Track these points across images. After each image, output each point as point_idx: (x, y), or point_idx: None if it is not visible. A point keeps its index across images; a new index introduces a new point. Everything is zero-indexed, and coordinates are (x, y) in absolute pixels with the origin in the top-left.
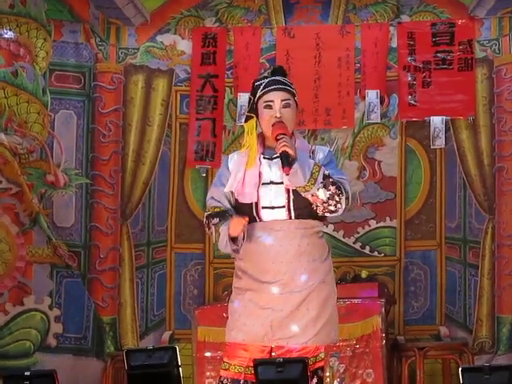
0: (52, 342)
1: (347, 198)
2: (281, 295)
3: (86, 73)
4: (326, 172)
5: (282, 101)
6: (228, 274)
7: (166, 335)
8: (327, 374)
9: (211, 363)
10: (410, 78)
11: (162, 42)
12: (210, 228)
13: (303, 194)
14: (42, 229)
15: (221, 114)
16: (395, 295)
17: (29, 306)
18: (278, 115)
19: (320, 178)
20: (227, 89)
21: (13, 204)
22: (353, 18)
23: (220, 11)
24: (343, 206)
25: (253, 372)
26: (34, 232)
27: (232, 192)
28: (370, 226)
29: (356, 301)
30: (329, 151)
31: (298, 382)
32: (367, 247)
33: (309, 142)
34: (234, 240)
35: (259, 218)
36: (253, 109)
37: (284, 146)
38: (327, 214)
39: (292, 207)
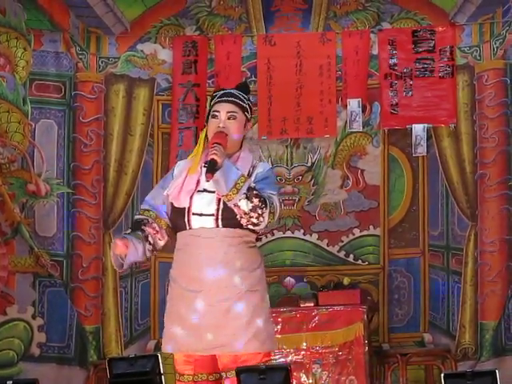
0: (35, 351)
1: (272, 213)
2: (208, 305)
3: (66, 82)
4: (253, 185)
5: (228, 112)
6: None
7: (151, 344)
8: (310, 381)
9: None
10: (391, 86)
11: (142, 50)
12: None
13: (228, 204)
14: (24, 238)
15: (203, 123)
16: (379, 303)
17: (12, 316)
18: (222, 125)
19: (244, 189)
20: (209, 98)
21: None
22: (333, 25)
23: (200, 19)
24: (265, 220)
25: (204, 379)
26: (15, 242)
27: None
28: (353, 234)
29: (338, 308)
30: (269, 168)
31: None
32: (351, 255)
33: (291, 152)
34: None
35: (189, 224)
36: (207, 119)
37: (213, 154)
38: (250, 227)
39: (220, 216)
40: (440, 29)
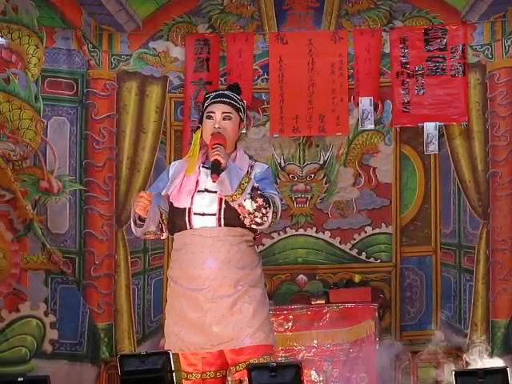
0: (48, 348)
1: (275, 213)
2: (211, 302)
3: (78, 79)
4: (256, 185)
5: (223, 113)
6: None
7: (164, 341)
8: (321, 378)
9: None
10: (403, 85)
11: (154, 48)
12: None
13: (231, 204)
14: (36, 235)
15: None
16: (391, 301)
17: (24, 313)
18: (217, 126)
19: (248, 189)
20: None
21: (7, 211)
22: (345, 23)
23: (213, 17)
24: (269, 220)
25: (212, 376)
26: (28, 239)
27: (168, 196)
28: (366, 232)
29: (349, 305)
30: (267, 168)
31: None
32: (363, 253)
33: (304, 150)
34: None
35: (190, 224)
36: (201, 120)
37: (216, 154)
38: (254, 226)
39: (222, 215)
40: (452, 27)
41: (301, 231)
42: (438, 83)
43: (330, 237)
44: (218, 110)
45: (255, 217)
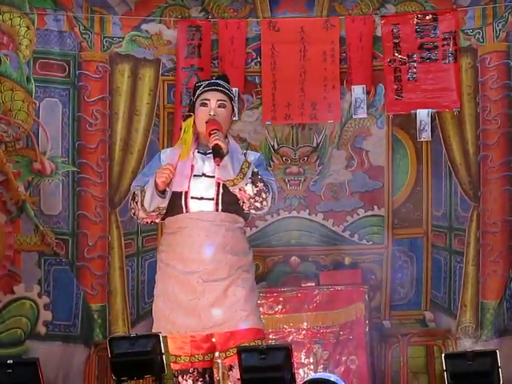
0: (41, 329)
1: (273, 198)
2: (205, 283)
3: (70, 61)
4: (256, 170)
5: (218, 101)
6: None
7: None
8: (311, 360)
9: None
10: (395, 72)
11: (147, 31)
12: (135, 198)
13: (231, 189)
14: (29, 217)
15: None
16: (382, 282)
17: (19, 295)
18: (212, 113)
19: (249, 174)
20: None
21: (0, 192)
22: (338, 7)
23: (205, 0)
24: (269, 204)
25: (200, 359)
26: (21, 220)
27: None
28: (358, 214)
29: (339, 287)
30: (260, 156)
31: (281, 368)
32: (356, 235)
33: (297, 133)
34: (160, 191)
35: (186, 208)
36: (191, 108)
37: (216, 139)
38: (252, 211)
39: (220, 200)
40: (443, 14)
41: (294, 213)
42: (430, 70)
43: (323, 219)
44: (213, 98)
45: (255, 201)
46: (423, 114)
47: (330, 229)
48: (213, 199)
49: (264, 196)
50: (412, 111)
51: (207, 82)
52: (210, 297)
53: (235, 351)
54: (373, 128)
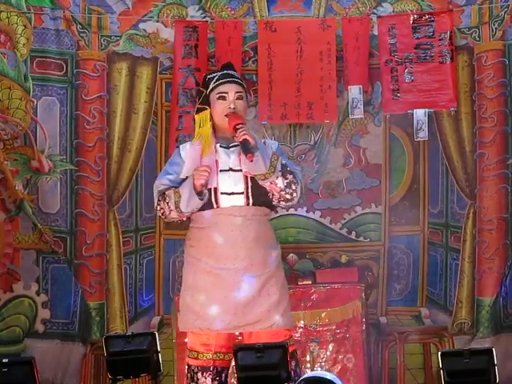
0: (40, 327)
1: (301, 188)
2: (241, 280)
3: (68, 60)
4: (284, 161)
5: (236, 93)
6: None
7: (155, 320)
8: (307, 358)
9: None
10: (391, 72)
11: (144, 29)
12: (165, 199)
13: (261, 182)
14: (27, 215)
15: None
16: (379, 278)
17: (18, 293)
18: (232, 106)
19: (279, 167)
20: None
21: None
22: (335, 6)
23: None
24: (298, 195)
25: (221, 358)
26: (19, 218)
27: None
28: (355, 212)
29: (336, 286)
30: (278, 144)
31: (278, 366)
32: (353, 233)
33: (294, 131)
34: (198, 193)
35: (217, 204)
36: (205, 101)
37: (245, 134)
38: (282, 203)
39: (250, 194)
40: (439, 14)
41: (291, 211)
42: (426, 70)
43: (321, 216)
44: (231, 90)
45: (286, 193)
46: (420, 114)
47: (328, 226)
48: (243, 193)
49: (294, 187)
50: (409, 111)
51: (220, 74)
52: (245, 295)
53: None
54: (370, 126)
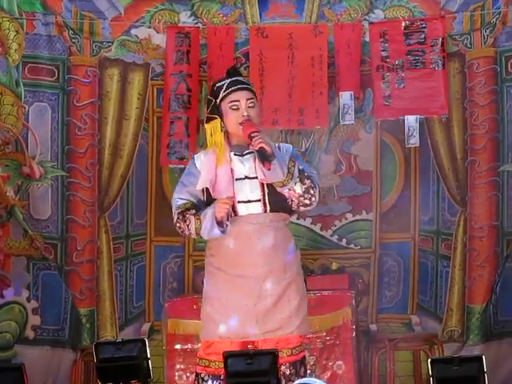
0: (30, 333)
1: (319, 192)
2: (261, 288)
3: (59, 65)
4: (301, 167)
5: (248, 100)
6: None
7: (146, 327)
8: None
9: (181, 355)
10: (383, 78)
11: (136, 35)
12: (185, 221)
13: (279, 189)
14: (18, 221)
15: (195, 113)
16: (369, 285)
17: (8, 299)
18: (246, 114)
19: (296, 173)
20: (203, 83)
21: None
22: (327, 12)
23: (195, 5)
24: (317, 199)
25: None
26: (10, 224)
27: (204, 189)
28: (346, 219)
29: (326, 293)
30: (293, 148)
31: (267, 373)
32: (344, 240)
33: (285, 137)
34: (218, 223)
35: (235, 213)
36: (215, 110)
37: (260, 142)
38: (301, 208)
39: (267, 201)
40: (431, 20)
41: None
42: (418, 76)
43: (311, 223)
44: (242, 98)
45: (304, 199)
46: (411, 120)
47: (318, 233)
48: (260, 200)
49: (312, 192)
50: (400, 117)
51: (229, 81)
52: (266, 303)
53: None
54: (361, 133)
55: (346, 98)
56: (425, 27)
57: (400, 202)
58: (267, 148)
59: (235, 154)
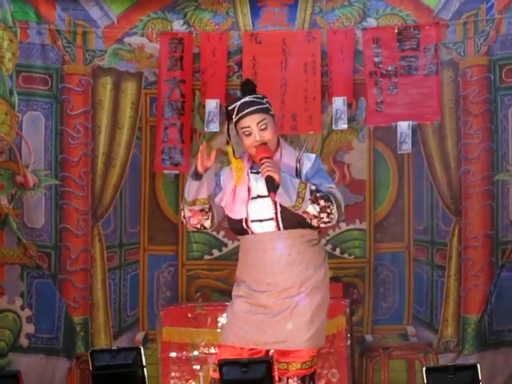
0: (24, 342)
1: (339, 207)
2: (273, 303)
3: (53, 74)
4: (313, 187)
5: (259, 123)
6: (201, 275)
7: (140, 335)
8: None
9: (176, 364)
10: (376, 84)
11: (129, 44)
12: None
13: (296, 212)
14: (12, 230)
15: (188, 120)
16: (364, 296)
17: (2, 307)
18: (258, 138)
19: (307, 196)
20: (196, 91)
21: None
22: (319, 20)
23: (188, 14)
24: (336, 216)
25: None
26: (4, 233)
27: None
28: (340, 228)
29: None
30: (316, 158)
31: (262, 382)
32: (337, 249)
33: None
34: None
35: (250, 230)
36: (232, 131)
37: (268, 170)
38: (322, 225)
39: (280, 219)
40: (424, 27)
41: None
42: (411, 83)
43: None
44: (252, 123)
45: (321, 218)
46: (404, 126)
47: None
48: (272, 219)
49: (328, 211)
50: (392, 123)
51: (239, 104)
52: (277, 314)
53: (285, 366)
54: (354, 142)
55: (338, 103)
56: (418, 33)
57: (394, 212)
58: (275, 176)
59: (251, 172)
